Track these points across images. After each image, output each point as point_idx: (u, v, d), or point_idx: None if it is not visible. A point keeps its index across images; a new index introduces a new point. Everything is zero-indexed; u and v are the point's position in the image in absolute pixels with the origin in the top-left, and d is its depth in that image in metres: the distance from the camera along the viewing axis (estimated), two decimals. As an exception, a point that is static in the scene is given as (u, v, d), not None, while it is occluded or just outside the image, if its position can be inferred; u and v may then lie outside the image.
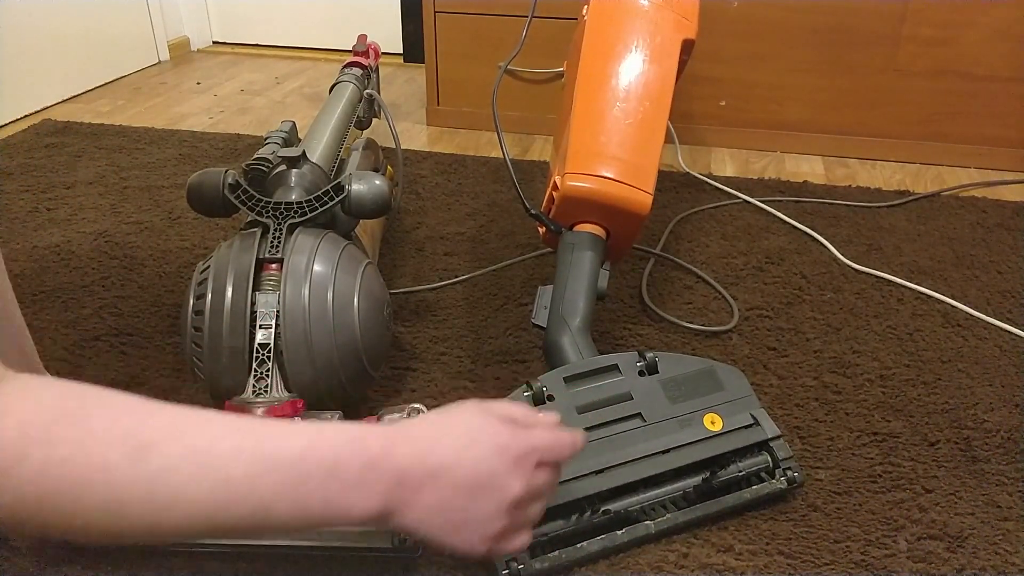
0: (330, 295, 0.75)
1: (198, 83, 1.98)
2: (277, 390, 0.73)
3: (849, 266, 1.14)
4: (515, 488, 0.53)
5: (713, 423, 0.73)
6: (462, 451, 0.53)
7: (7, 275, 0.74)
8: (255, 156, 0.91)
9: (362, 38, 1.49)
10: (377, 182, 0.84)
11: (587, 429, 0.71)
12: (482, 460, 0.53)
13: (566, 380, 0.73)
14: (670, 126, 1.56)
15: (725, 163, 1.53)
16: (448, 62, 1.66)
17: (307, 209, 0.81)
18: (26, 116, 1.72)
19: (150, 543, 0.48)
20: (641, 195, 0.85)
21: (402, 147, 1.45)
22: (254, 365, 0.73)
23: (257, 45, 2.31)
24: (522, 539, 0.56)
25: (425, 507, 0.52)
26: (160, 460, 0.47)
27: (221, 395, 0.75)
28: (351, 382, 0.78)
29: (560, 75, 1.60)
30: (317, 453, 0.50)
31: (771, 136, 1.59)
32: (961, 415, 0.85)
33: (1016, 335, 0.99)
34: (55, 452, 0.44)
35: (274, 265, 0.77)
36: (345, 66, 1.38)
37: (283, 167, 0.90)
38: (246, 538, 0.65)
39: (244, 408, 0.71)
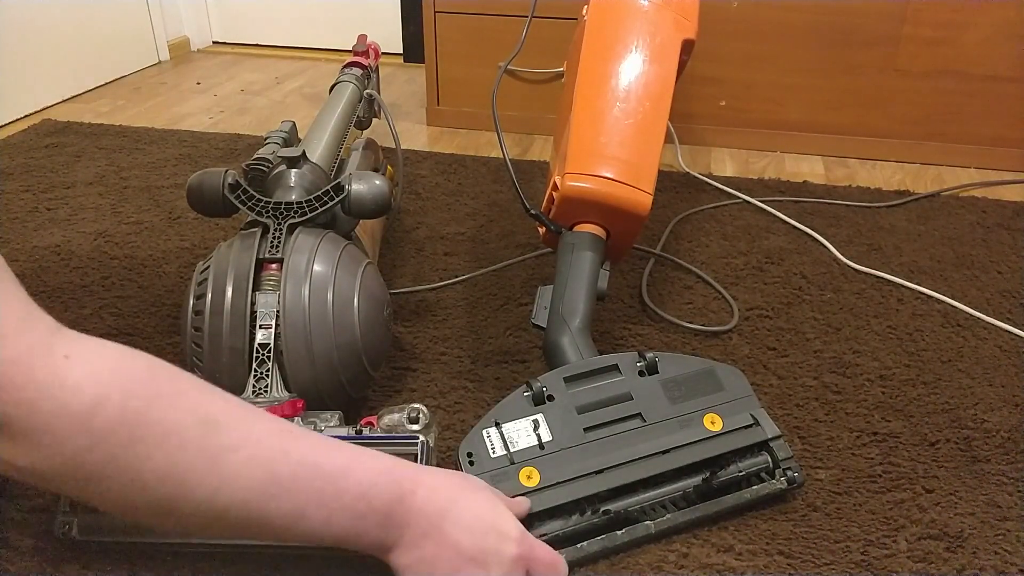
0: (330, 295, 0.76)
1: (198, 83, 1.98)
2: (277, 390, 0.73)
3: (849, 266, 1.14)
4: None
5: (713, 423, 0.73)
6: (474, 522, 0.56)
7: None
8: (255, 156, 0.91)
9: (362, 38, 1.49)
10: (377, 182, 0.84)
11: (587, 429, 0.71)
12: (488, 541, 0.56)
13: (566, 380, 0.73)
14: (670, 126, 1.56)
15: (725, 163, 1.53)
16: (448, 62, 1.66)
17: (307, 209, 0.81)
18: (26, 116, 1.72)
19: (180, 526, 0.50)
20: (641, 195, 0.85)
21: (402, 147, 1.45)
22: (254, 365, 0.73)
23: (257, 45, 2.31)
24: None
25: (420, 555, 0.55)
26: (224, 439, 0.48)
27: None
28: (351, 382, 0.78)
29: (560, 75, 1.60)
30: (355, 475, 0.53)
31: (771, 136, 1.59)
32: (961, 415, 0.85)
33: (1016, 335, 0.99)
34: (130, 404, 0.45)
35: (274, 265, 0.77)
36: (345, 66, 1.38)
37: (283, 167, 0.90)
38: (255, 540, 0.65)
39: (244, 408, 0.71)
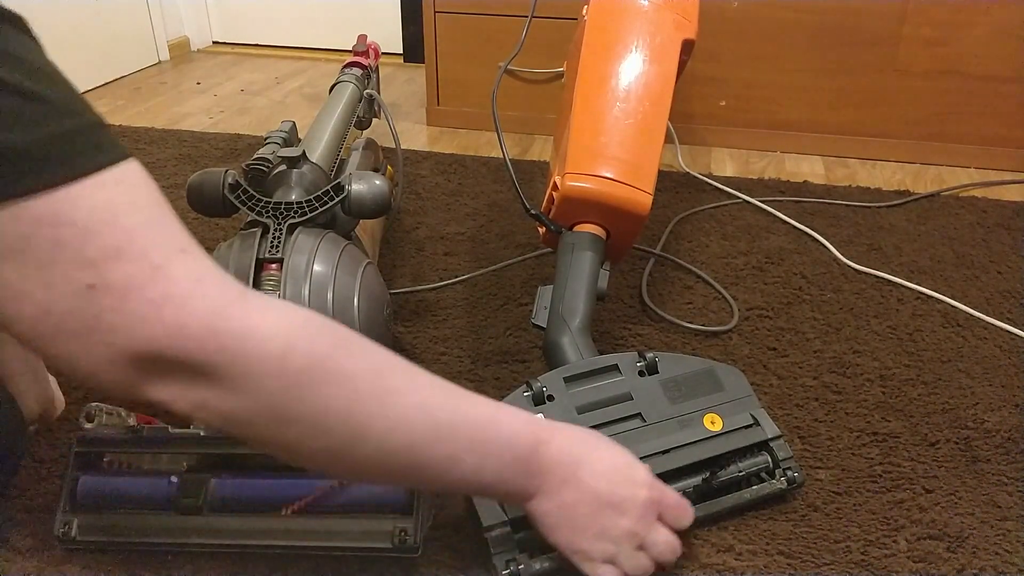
0: (330, 295, 0.75)
1: (198, 83, 1.98)
2: (277, 390, 0.73)
3: (849, 266, 1.14)
4: (632, 523, 0.60)
5: (713, 423, 0.73)
6: (608, 470, 0.60)
7: None
8: (255, 156, 0.91)
9: (362, 38, 1.49)
10: (377, 182, 0.84)
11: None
12: (623, 488, 0.60)
13: (566, 380, 0.73)
14: (670, 126, 1.56)
15: (725, 163, 1.53)
16: (448, 62, 1.66)
17: (307, 209, 0.81)
18: (26, 116, 1.72)
19: (351, 470, 0.54)
20: (641, 195, 0.85)
21: (402, 147, 1.45)
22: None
23: (257, 45, 2.31)
24: (611, 575, 0.60)
25: (560, 502, 0.59)
26: (391, 383, 0.52)
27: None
28: (351, 382, 0.77)
29: (560, 75, 1.60)
30: (499, 425, 0.56)
31: (771, 136, 1.59)
32: (961, 415, 0.85)
33: (1016, 335, 0.99)
34: (316, 349, 0.49)
35: (274, 265, 0.77)
36: (345, 66, 1.38)
37: (283, 167, 0.90)
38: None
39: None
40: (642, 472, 0.61)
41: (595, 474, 0.59)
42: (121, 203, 0.45)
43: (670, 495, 0.63)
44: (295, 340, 0.48)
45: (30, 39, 0.45)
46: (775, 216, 1.29)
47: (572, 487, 0.58)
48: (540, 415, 0.70)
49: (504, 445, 0.56)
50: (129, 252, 0.45)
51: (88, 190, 0.44)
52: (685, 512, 0.63)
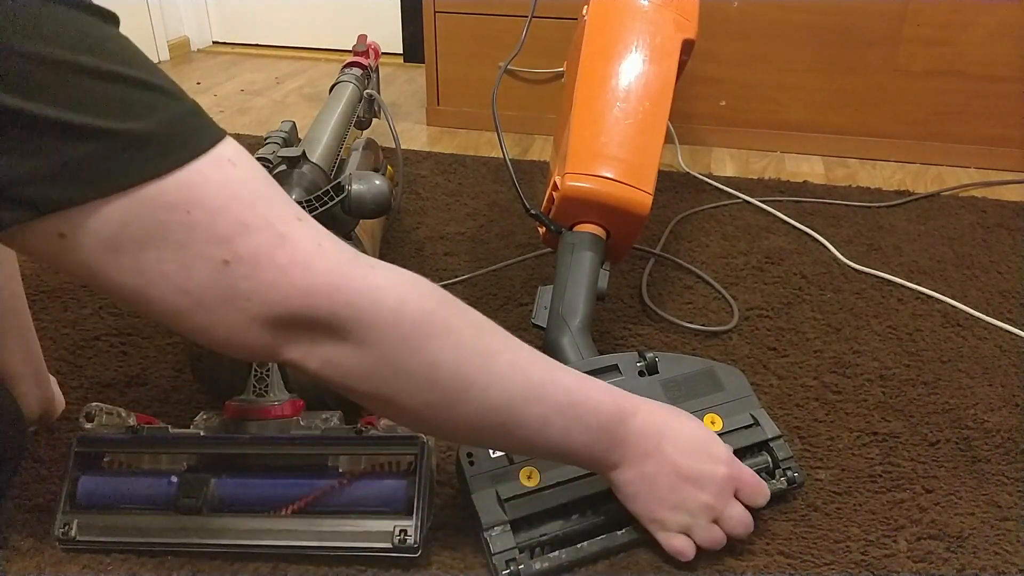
0: (330, 295, 0.75)
1: (198, 83, 1.98)
2: (277, 390, 0.73)
3: (849, 266, 1.14)
4: (710, 498, 0.63)
5: (713, 423, 0.73)
6: (688, 444, 0.63)
7: (19, 274, 0.75)
8: (255, 156, 0.91)
9: (362, 38, 1.49)
10: (377, 182, 0.84)
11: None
12: (703, 463, 0.63)
13: (566, 380, 0.73)
14: (670, 126, 1.56)
15: (725, 163, 1.53)
16: (448, 62, 1.66)
17: (307, 209, 0.81)
18: (26, 116, 1.72)
19: (451, 426, 0.55)
20: (641, 195, 0.85)
21: (402, 147, 1.45)
22: (254, 365, 0.73)
23: (257, 45, 2.31)
24: (684, 545, 0.64)
25: (641, 472, 0.61)
26: (490, 341, 0.55)
27: (221, 395, 0.75)
28: (351, 382, 0.77)
29: (560, 75, 1.60)
30: (585, 391, 0.58)
31: (771, 136, 1.59)
32: (961, 415, 0.85)
33: (1016, 335, 0.99)
34: (424, 305, 0.52)
35: (274, 265, 0.76)
36: (345, 66, 1.38)
37: (283, 167, 0.90)
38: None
39: (245, 408, 0.71)
40: (722, 449, 0.64)
41: (677, 448, 0.62)
42: (238, 180, 0.48)
43: (747, 474, 0.65)
44: (407, 295, 0.51)
45: (122, 34, 0.47)
46: (775, 216, 1.29)
47: (654, 459, 0.61)
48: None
49: (591, 411, 0.58)
50: (255, 225, 0.47)
51: (208, 170, 0.47)
52: (761, 491, 0.66)
